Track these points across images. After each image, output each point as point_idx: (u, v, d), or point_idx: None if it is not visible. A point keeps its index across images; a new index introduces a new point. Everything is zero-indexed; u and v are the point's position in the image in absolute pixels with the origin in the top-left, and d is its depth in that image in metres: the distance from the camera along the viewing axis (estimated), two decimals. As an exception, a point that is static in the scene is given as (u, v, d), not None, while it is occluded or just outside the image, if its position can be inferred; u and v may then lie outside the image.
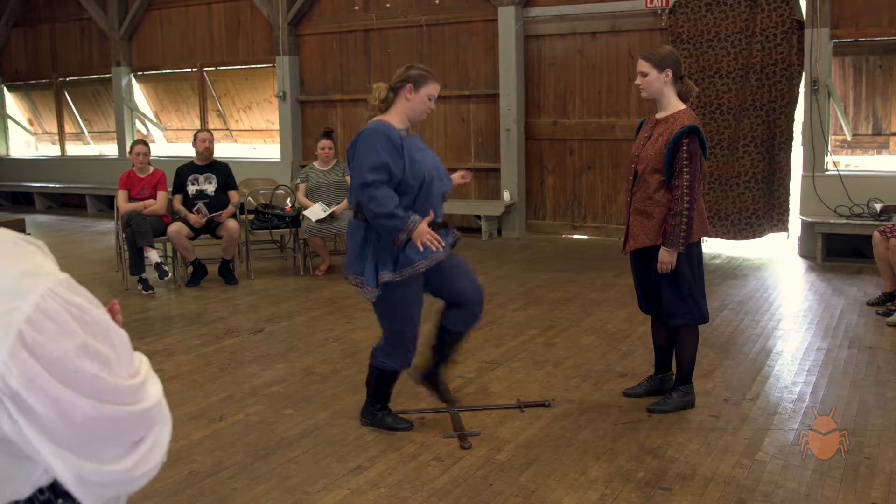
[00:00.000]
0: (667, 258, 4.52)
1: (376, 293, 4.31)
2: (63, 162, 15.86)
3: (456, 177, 4.67)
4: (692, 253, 4.65)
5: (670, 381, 4.96)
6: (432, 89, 4.45)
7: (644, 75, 4.58)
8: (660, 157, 4.50)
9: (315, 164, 8.91)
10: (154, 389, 1.38)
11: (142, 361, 1.41)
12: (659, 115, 4.66)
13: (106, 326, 1.33)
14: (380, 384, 4.60)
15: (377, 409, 4.63)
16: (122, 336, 1.36)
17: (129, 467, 1.32)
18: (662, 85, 4.57)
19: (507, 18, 10.85)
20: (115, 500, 1.38)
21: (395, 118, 4.41)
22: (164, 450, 1.38)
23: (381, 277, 4.28)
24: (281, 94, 12.74)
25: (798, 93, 9.26)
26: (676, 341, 4.83)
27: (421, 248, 4.26)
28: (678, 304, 4.67)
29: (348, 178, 8.74)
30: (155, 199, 8.51)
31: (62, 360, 1.23)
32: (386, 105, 4.43)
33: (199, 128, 13.31)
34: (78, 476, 1.27)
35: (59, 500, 1.35)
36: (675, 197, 4.47)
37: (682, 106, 4.61)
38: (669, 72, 4.54)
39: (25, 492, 1.32)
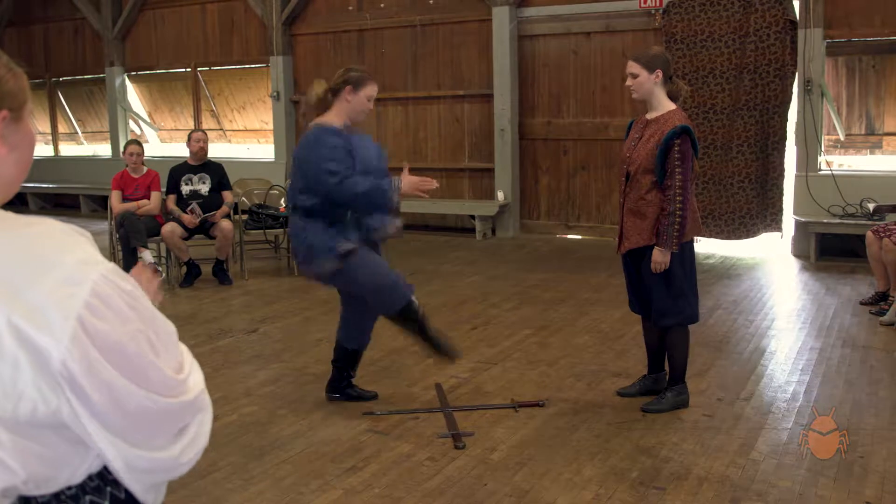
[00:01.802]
0: (660, 258, 4.54)
1: (335, 262, 4.48)
2: (56, 162, 15.82)
3: (415, 180, 4.65)
4: (685, 253, 4.66)
5: (664, 380, 4.97)
6: (371, 90, 4.60)
7: (634, 77, 4.60)
8: (651, 158, 4.52)
9: (309, 164, 8.88)
10: (197, 377, 1.41)
11: (185, 351, 1.44)
12: (650, 116, 4.67)
13: (153, 315, 1.35)
14: (409, 324, 4.75)
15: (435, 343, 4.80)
16: (167, 325, 1.39)
17: (176, 455, 1.35)
18: (653, 86, 4.59)
19: (501, 18, 10.85)
20: (159, 486, 1.41)
21: (335, 118, 4.55)
22: (208, 436, 1.42)
23: (339, 248, 4.45)
24: (275, 94, 12.73)
25: (791, 93, 9.28)
26: (667, 342, 4.83)
27: (422, 195, 4.63)
28: (669, 304, 4.66)
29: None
30: (149, 199, 8.49)
31: (119, 346, 1.25)
32: (323, 106, 4.57)
33: (192, 128, 13.29)
34: (127, 463, 1.30)
35: (108, 488, 1.37)
36: (667, 197, 4.49)
37: (672, 106, 4.63)
38: (660, 72, 4.57)
39: (79, 477, 1.35)
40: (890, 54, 9.16)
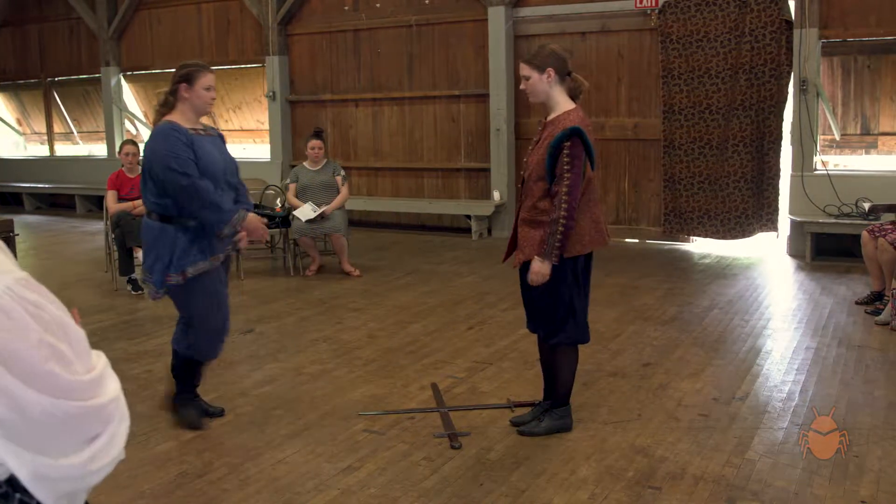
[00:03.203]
0: (537, 268, 4.15)
1: (162, 293, 4.52)
2: (52, 162, 15.80)
3: (259, 225, 4.69)
4: (577, 266, 4.30)
5: (570, 412, 4.58)
6: (206, 80, 4.54)
7: (527, 79, 4.28)
8: (543, 163, 4.19)
9: (305, 164, 8.89)
10: (111, 385, 1.39)
11: (99, 357, 1.42)
12: (549, 118, 4.32)
13: (63, 323, 1.34)
14: (184, 374, 4.73)
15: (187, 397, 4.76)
16: (78, 333, 1.37)
17: (83, 462, 1.33)
18: (547, 86, 4.25)
19: (496, 18, 10.85)
20: (73, 495, 1.38)
21: (181, 117, 4.51)
22: (121, 446, 1.39)
23: (168, 279, 4.45)
24: (271, 94, 12.72)
25: (787, 93, 9.29)
26: (553, 361, 4.50)
27: (247, 243, 4.71)
28: (555, 322, 4.34)
29: (339, 179, 8.80)
30: (144, 199, 8.47)
31: (18, 356, 1.24)
32: (167, 108, 4.54)
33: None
34: (33, 471, 1.28)
35: (18, 495, 1.35)
36: (553, 204, 4.12)
37: (570, 105, 4.27)
38: (551, 71, 4.22)
39: None
40: (885, 54, 9.18)
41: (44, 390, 1.26)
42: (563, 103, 4.28)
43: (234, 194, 4.63)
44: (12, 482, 1.34)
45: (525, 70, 4.29)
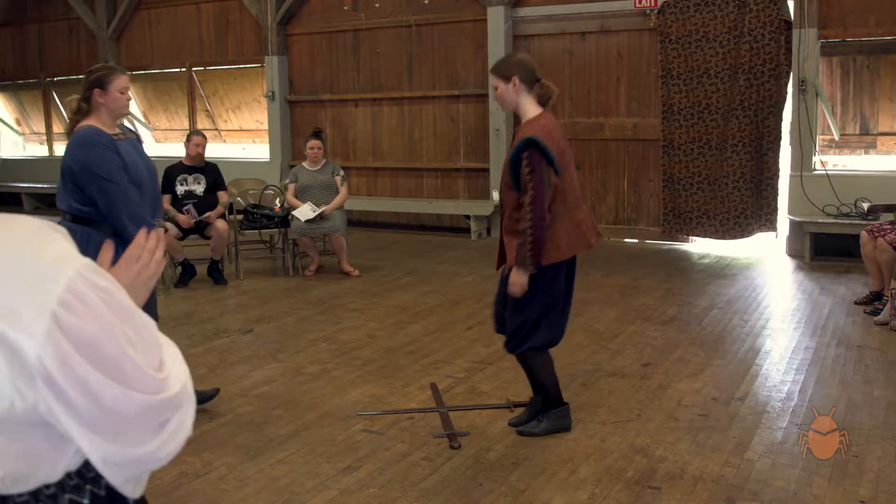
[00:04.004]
0: (515, 278, 4.16)
1: None
2: (51, 162, 15.75)
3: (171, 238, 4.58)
4: (559, 273, 4.31)
5: (569, 411, 4.61)
6: (120, 83, 4.40)
7: (495, 89, 4.34)
8: (507, 173, 4.26)
9: (304, 164, 8.89)
10: (179, 371, 1.40)
11: (169, 344, 1.42)
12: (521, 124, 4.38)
13: (130, 310, 1.34)
14: None
15: None
16: (146, 319, 1.37)
17: (154, 449, 1.34)
18: (514, 95, 4.28)
19: (496, 18, 10.85)
20: (138, 476, 1.40)
21: (99, 123, 4.39)
22: (189, 429, 1.40)
23: None
24: (270, 94, 12.71)
25: (786, 93, 9.29)
26: (525, 368, 4.51)
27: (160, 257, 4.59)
28: (522, 331, 4.34)
29: (338, 179, 8.80)
30: (143, 199, 8.47)
31: (93, 342, 1.25)
32: (81, 115, 4.40)
33: (188, 128, 13.30)
34: (104, 457, 1.30)
35: (88, 486, 1.37)
36: (521, 215, 4.13)
37: (536, 112, 4.30)
38: (516, 79, 4.24)
39: (58, 474, 1.34)
40: (884, 54, 9.18)
41: (117, 379, 1.26)
42: (530, 110, 4.31)
43: (154, 201, 4.54)
44: (81, 473, 1.36)
45: (493, 80, 4.36)
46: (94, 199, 4.30)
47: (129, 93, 4.48)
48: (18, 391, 1.23)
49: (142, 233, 1.64)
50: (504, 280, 4.35)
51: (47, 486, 1.33)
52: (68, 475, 1.35)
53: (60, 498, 1.34)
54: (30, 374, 1.22)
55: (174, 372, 1.38)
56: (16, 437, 1.27)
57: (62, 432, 1.27)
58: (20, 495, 1.31)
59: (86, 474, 1.36)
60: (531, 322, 4.31)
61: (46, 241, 1.31)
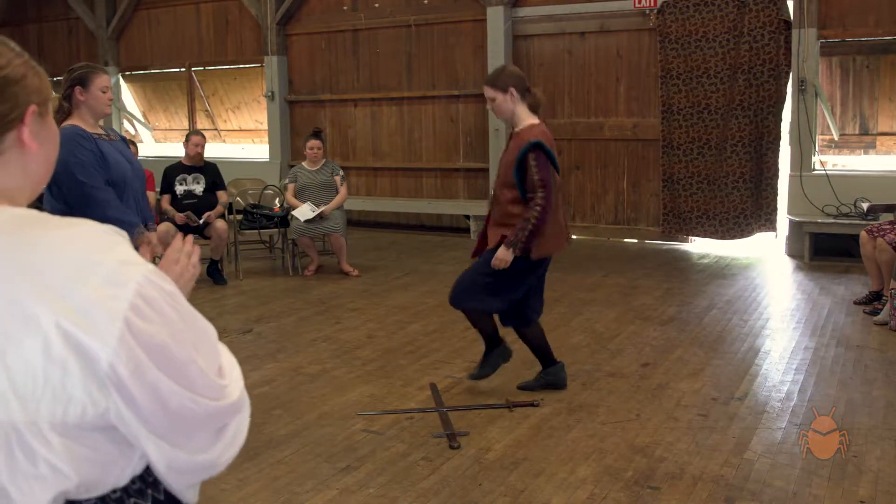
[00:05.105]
0: (502, 255, 4.60)
1: None
2: (50, 162, 15.77)
3: (155, 243, 4.57)
4: (539, 268, 4.79)
5: (562, 369, 5.16)
6: (101, 81, 4.40)
7: (492, 100, 4.69)
8: (511, 172, 4.61)
9: (304, 164, 8.89)
10: (236, 376, 1.41)
11: (224, 351, 1.43)
12: (516, 129, 4.75)
13: (194, 315, 1.35)
14: None
15: None
16: (207, 325, 1.38)
17: (216, 456, 1.36)
18: (511, 104, 4.67)
19: (495, 18, 10.85)
20: (197, 483, 1.42)
21: (81, 121, 4.38)
22: (245, 433, 1.43)
23: None
24: (269, 93, 12.71)
25: (785, 93, 9.29)
26: (471, 320, 4.98)
27: (146, 259, 4.53)
28: (476, 289, 4.76)
29: (338, 179, 8.80)
30: (143, 199, 8.47)
31: (163, 347, 1.25)
32: (63, 115, 4.37)
33: (187, 128, 13.29)
34: (169, 464, 1.31)
35: (149, 490, 1.38)
36: (528, 206, 4.57)
37: (534, 120, 4.70)
38: (513, 90, 4.63)
39: (125, 479, 1.35)
40: (884, 54, 9.19)
41: (184, 385, 1.27)
42: (526, 118, 4.71)
43: (137, 204, 4.52)
44: (143, 478, 1.37)
45: (489, 92, 4.69)
46: (68, 199, 4.28)
47: (111, 92, 4.48)
48: (91, 397, 1.22)
49: (178, 237, 1.67)
50: (483, 257, 4.79)
51: (114, 491, 1.34)
52: (132, 479, 1.35)
53: (125, 502, 1.35)
54: (101, 380, 1.21)
55: (233, 377, 1.39)
56: (88, 443, 1.26)
57: (129, 438, 1.28)
58: (87, 501, 1.31)
59: (146, 478, 1.37)
60: (490, 292, 4.73)
61: (111, 244, 1.30)
